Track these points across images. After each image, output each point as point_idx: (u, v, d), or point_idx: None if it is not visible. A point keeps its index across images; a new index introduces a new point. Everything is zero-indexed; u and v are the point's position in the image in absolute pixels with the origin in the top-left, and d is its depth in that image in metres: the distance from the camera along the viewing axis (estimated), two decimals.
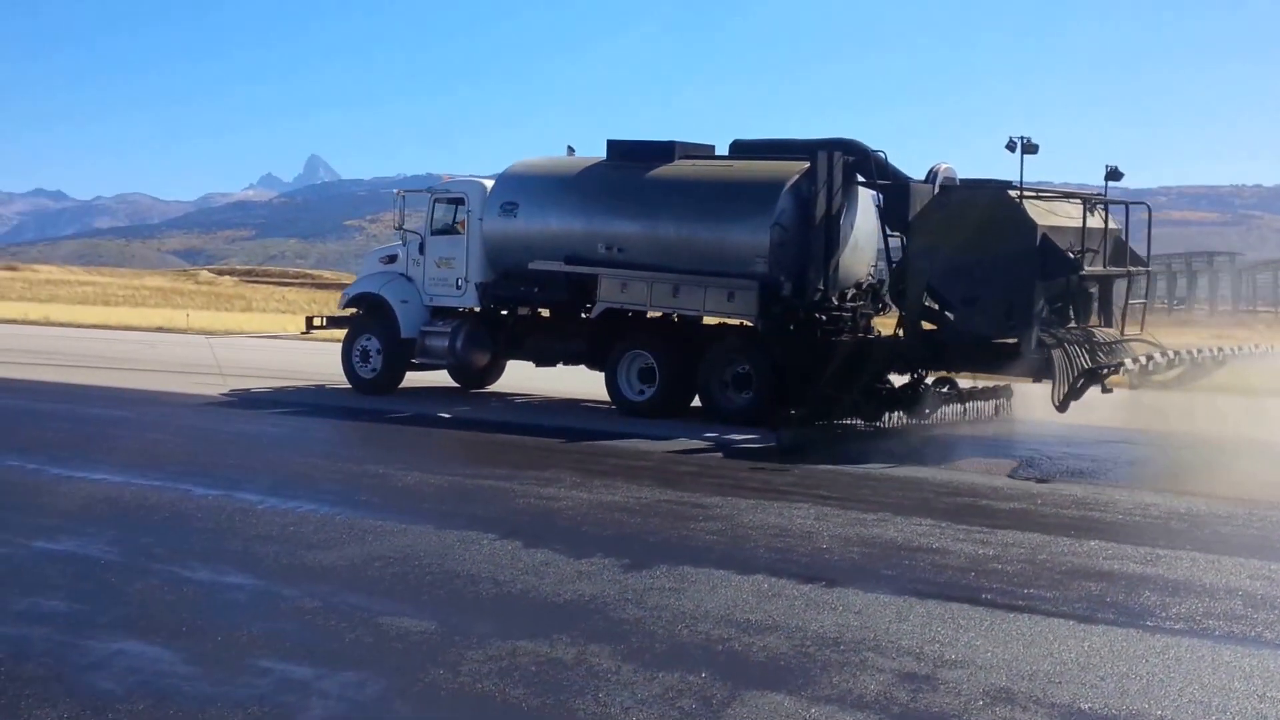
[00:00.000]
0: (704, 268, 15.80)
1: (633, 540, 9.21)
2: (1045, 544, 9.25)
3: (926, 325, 15.45)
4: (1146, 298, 16.32)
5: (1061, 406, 13.31)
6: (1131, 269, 15.60)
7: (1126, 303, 15.44)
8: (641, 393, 16.46)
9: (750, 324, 15.65)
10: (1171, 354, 14.30)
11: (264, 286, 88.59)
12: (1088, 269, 14.26)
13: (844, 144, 15.88)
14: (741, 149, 17.20)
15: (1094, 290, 15.17)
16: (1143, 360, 13.54)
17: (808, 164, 15.43)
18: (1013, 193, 14.26)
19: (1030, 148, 13.81)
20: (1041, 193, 14.95)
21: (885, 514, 10.28)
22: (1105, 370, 13.32)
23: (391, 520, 9.55)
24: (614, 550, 8.75)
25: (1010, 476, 12.41)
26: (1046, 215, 14.30)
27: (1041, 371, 13.91)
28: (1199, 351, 14.96)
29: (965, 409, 15.61)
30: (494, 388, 19.68)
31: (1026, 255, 13.84)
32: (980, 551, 8.98)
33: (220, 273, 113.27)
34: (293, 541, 8.78)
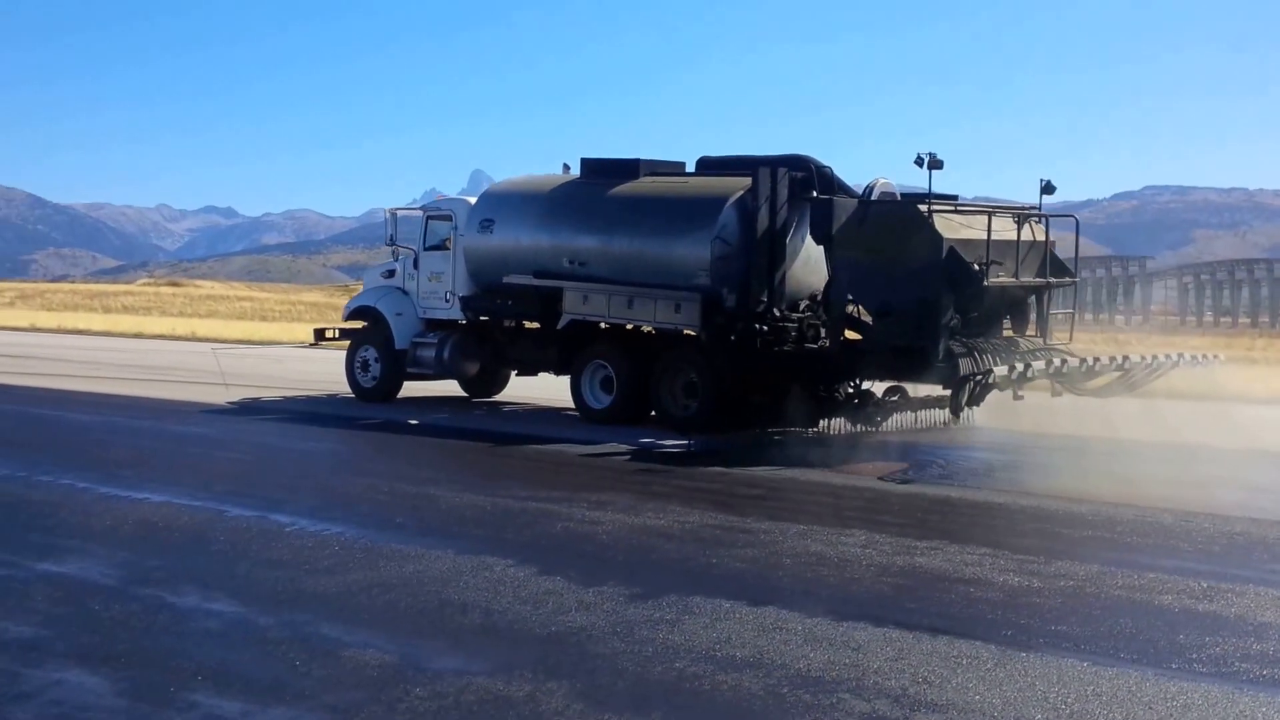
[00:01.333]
0: (654, 280, 16.33)
1: (658, 568, 8.80)
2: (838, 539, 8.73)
3: (852, 335, 16.14)
4: (1075, 307, 16.79)
5: (954, 413, 14.81)
6: (1052, 279, 15.77)
7: (1045, 311, 15.88)
8: (602, 401, 16.99)
9: (695, 334, 16.11)
10: (1078, 361, 14.66)
11: None
12: (993, 280, 14.43)
13: (795, 160, 16.26)
14: (707, 165, 17.66)
15: (1030, 300, 15.73)
16: (1019, 368, 13.71)
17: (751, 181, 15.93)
18: (922, 207, 14.57)
19: (936, 163, 14.33)
20: (961, 208, 15.33)
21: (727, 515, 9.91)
22: (978, 378, 13.82)
23: (415, 545, 9.27)
24: (631, 578, 8.36)
25: (879, 479, 12.78)
26: (957, 229, 14.62)
27: (949, 380, 14.40)
28: (1122, 359, 15.37)
29: (917, 416, 15.97)
30: (500, 396, 20.17)
31: (934, 267, 14.22)
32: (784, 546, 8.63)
33: None
34: (302, 566, 8.56)
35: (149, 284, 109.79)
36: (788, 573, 8.67)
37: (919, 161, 14.40)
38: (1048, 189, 15.45)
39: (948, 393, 15.03)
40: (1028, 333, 15.65)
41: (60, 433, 15.88)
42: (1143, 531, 10.31)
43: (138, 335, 40.29)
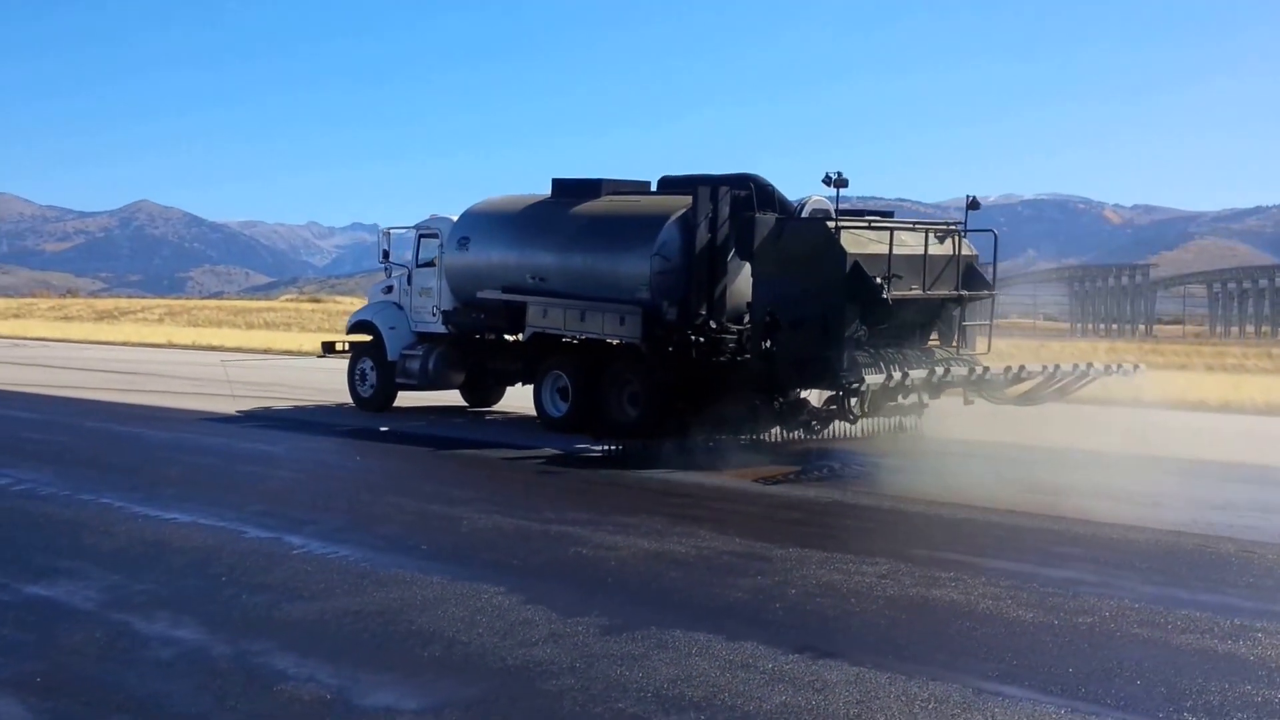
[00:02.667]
0: (603, 295, 17.04)
1: (653, 597, 8.43)
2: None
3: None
4: (992, 318, 17.17)
5: (845, 419, 15.77)
6: (965, 292, 16.10)
7: (960, 323, 16.33)
8: (560, 409, 17.70)
9: (637, 345, 16.65)
10: (966, 369, 15.17)
11: None
12: (895, 294, 14.74)
13: (740, 179, 16.66)
14: (667, 184, 18.09)
15: (956, 312, 16.21)
16: (896, 376, 14.05)
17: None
18: (830, 224, 15.03)
19: (841, 182, 14.80)
20: (875, 223, 15.62)
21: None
22: (851, 385, 14.32)
23: (414, 570, 9.04)
24: (619, 608, 8.03)
25: (755, 481, 13.52)
26: (864, 244, 15.03)
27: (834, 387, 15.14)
28: (1019, 369, 15.60)
29: (860, 426, 16.35)
30: (498, 406, 20.92)
31: (838, 281, 14.64)
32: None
33: None
34: (288, 592, 8.39)
35: (291, 300, 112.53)
36: (789, 606, 8.25)
37: (826, 180, 14.88)
38: (973, 205, 16.26)
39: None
40: (953, 343, 16.19)
41: (128, 450, 16.04)
42: (973, 532, 10.84)
43: (266, 350, 41.12)
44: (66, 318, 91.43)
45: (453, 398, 21.17)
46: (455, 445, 16.59)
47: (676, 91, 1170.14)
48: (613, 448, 15.46)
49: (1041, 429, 15.94)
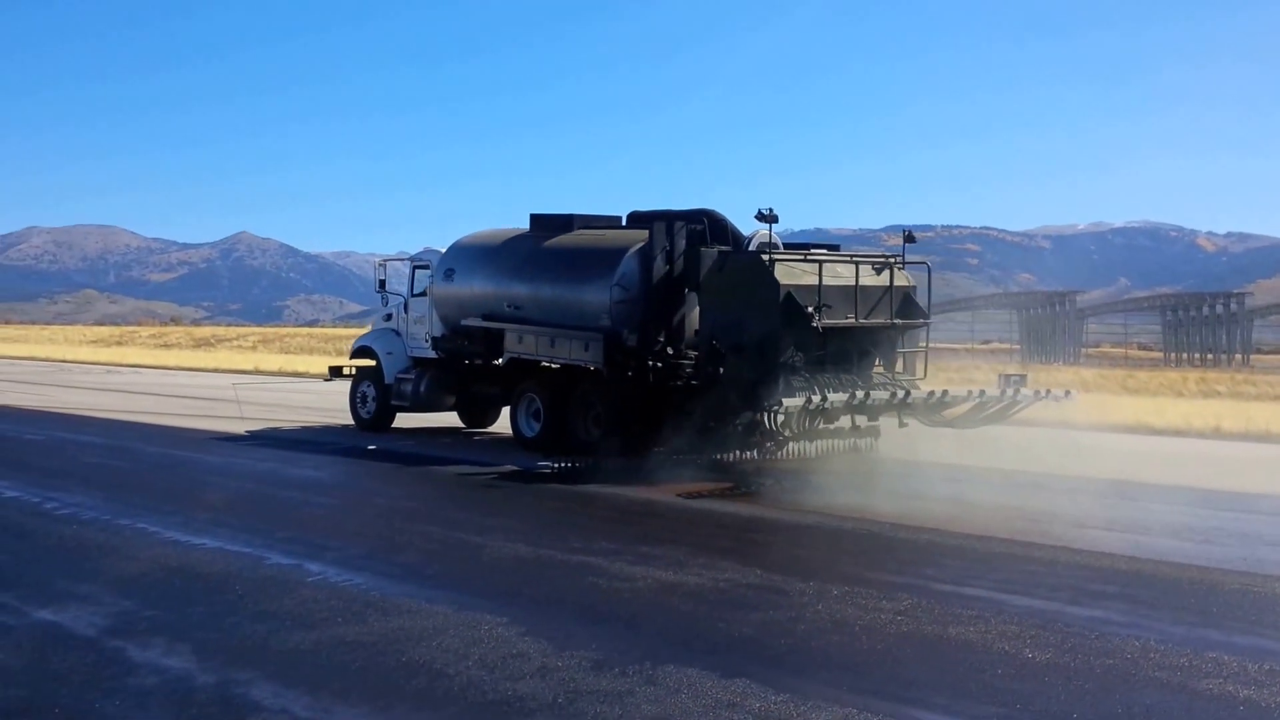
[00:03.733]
0: (570, 322, 17.99)
1: (655, 630, 8.24)
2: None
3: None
4: (927, 344, 17.99)
5: (781, 444, 16.19)
6: (898, 320, 16.87)
7: (896, 349, 17.20)
8: (533, 429, 18.61)
9: (600, 370, 17.52)
10: (887, 394, 15.74)
11: None
12: (825, 322, 15.62)
13: (697, 214, 17.73)
14: (635, 218, 18.91)
15: (900, 339, 17.14)
16: (816, 399, 14.64)
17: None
18: (765, 257, 15.85)
19: (772, 218, 15.87)
20: (809, 256, 16.38)
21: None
22: (771, 408, 14.98)
23: (422, 599, 8.94)
24: (616, 641, 7.84)
25: (677, 495, 14.29)
26: (798, 276, 15.84)
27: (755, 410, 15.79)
28: (942, 393, 16.30)
29: (815, 446, 16.69)
30: (493, 428, 21.70)
31: (772, 309, 15.49)
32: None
33: None
34: (292, 619, 8.32)
35: None
36: (801, 639, 8.01)
37: (759, 216, 15.94)
38: (909, 239, 17.29)
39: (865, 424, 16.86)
40: (896, 369, 17.11)
41: (180, 475, 16.16)
42: (858, 543, 11.59)
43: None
44: (165, 345, 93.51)
45: (451, 419, 22.28)
46: (426, 462, 17.53)
47: (737, 118, 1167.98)
48: (563, 464, 16.29)
49: (1022, 454, 16.80)
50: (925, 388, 16.72)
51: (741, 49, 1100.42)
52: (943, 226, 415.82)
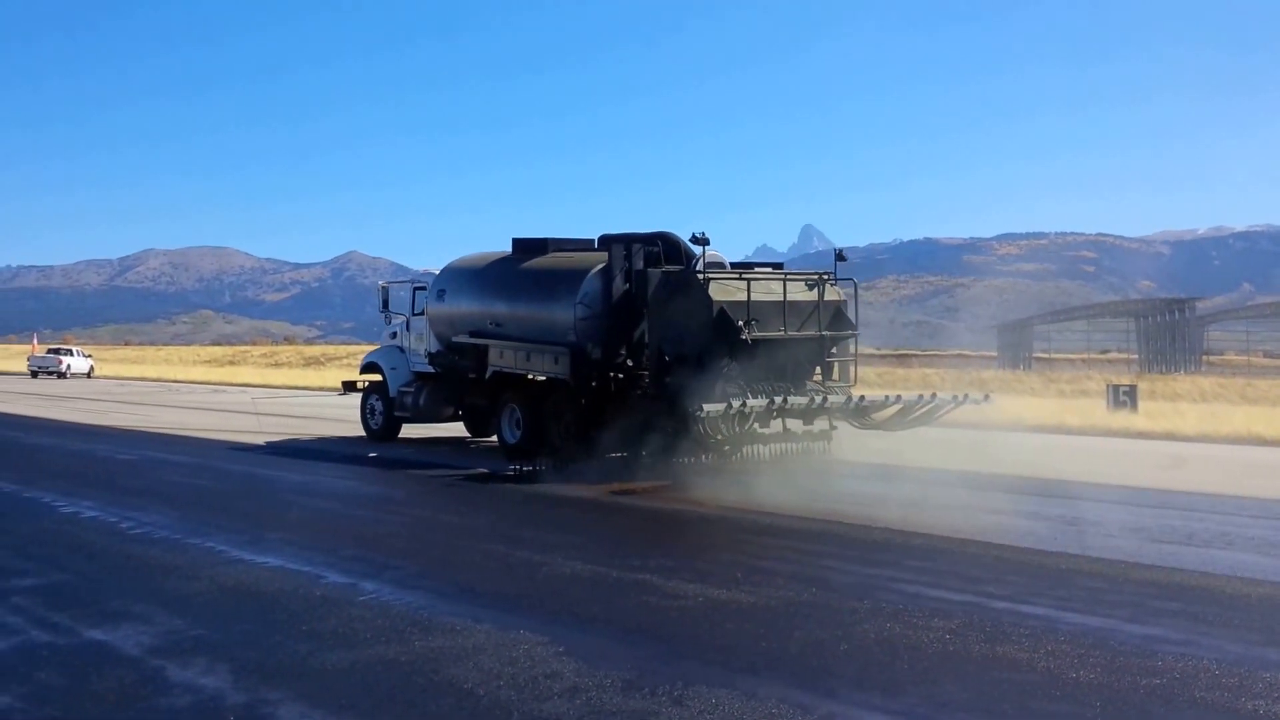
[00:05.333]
0: (543, 338, 19.31)
1: (696, 649, 8.12)
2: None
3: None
4: (856, 354, 18.80)
5: (710, 447, 16.76)
6: (826, 333, 17.97)
7: (825, 359, 18.27)
8: (515, 436, 20.06)
9: (567, 381, 18.80)
10: (806, 399, 16.63)
11: None
12: (754, 335, 16.82)
13: (655, 237, 18.91)
14: (605, 241, 19.77)
15: (835, 350, 18.32)
16: (736, 405, 15.39)
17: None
18: (700, 276, 17.00)
19: (703, 240, 16.99)
20: (745, 274, 17.66)
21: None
22: (694, 413, 15.43)
23: (469, 618, 8.92)
24: (651, 661, 7.75)
25: (611, 493, 15.90)
26: (731, 293, 17.05)
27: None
28: (858, 398, 17.23)
29: (769, 450, 17.25)
30: (494, 437, 21.79)
31: (707, 324, 16.81)
32: None
33: None
34: (335, 638, 8.36)
35: None
36: (846, 659, 7.85)
37: (692, 239, 17.17)
38: (840, 257, 18.82)
39: (819, 428, 17.82)
40: (833, 378, 18.30)
41: (258, 493, 16.41)
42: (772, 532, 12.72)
43: None
44: (276, 364, 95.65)
45: (458, 429, 24.00)
46: (409, 466, 19.60)
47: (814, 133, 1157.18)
48: (521, 468, 18.36)
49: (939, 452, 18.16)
50: (857, 394, 17.73)
51: (847, 55, 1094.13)
52: (1057, 234, 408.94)
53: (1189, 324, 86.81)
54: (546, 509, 15.01)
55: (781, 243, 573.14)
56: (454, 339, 21.41)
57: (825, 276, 18.31)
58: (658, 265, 18.26)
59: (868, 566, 11.04)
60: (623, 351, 18.65)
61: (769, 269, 18.57)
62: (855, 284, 18.94)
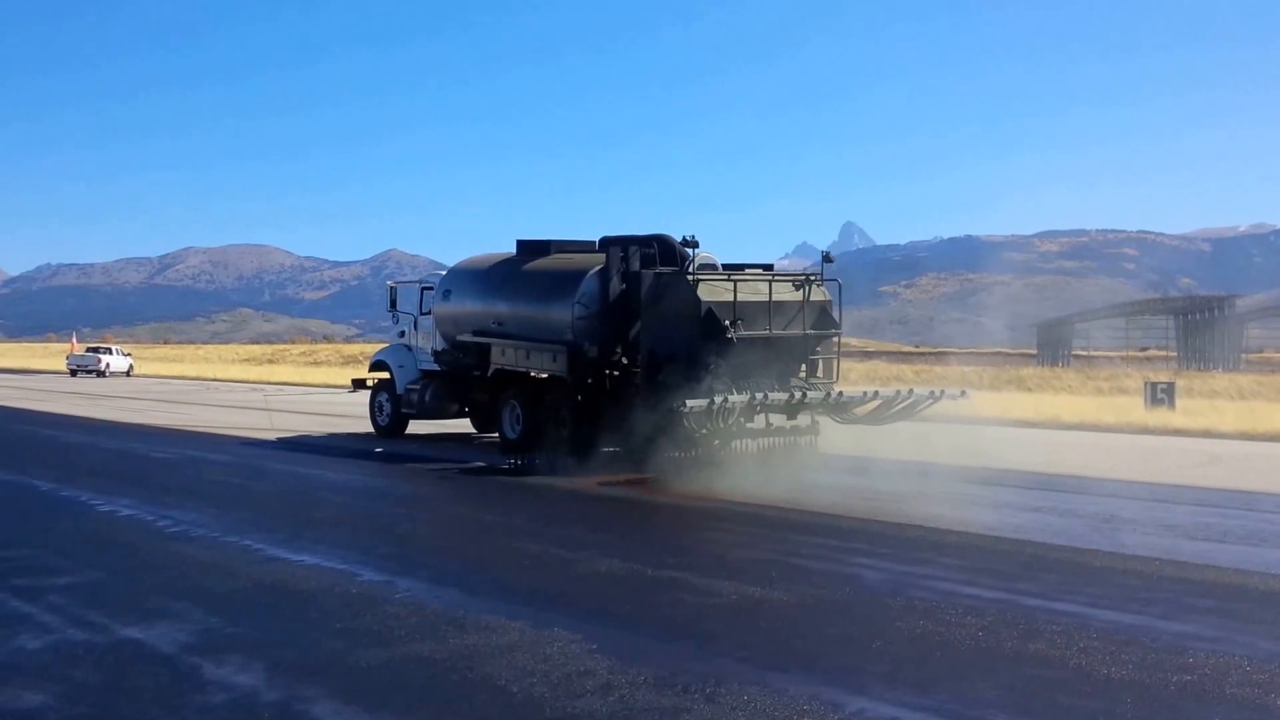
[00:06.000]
0: (543, 337, 19.86)
1: (730, 646, 8.13)
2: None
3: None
4: (838, 352, 19.36)
5: (697, 441, 16.97)
6: (810, 331, 18.50)
7: (808, 356, 18.91)
8: (516, 432, 20.68)
9: (565, 379, 19.38)
10: (785, 395, 17.23)
11: None
12: (740, 334, 17.34)
13: (651, 239, 19.28)
14: (605, 243, 19.99)
15: (819, 348, 18.96)
16: (717, 401, 16.02)
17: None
18: (690, 278, 17.60)
19: (693, 243, 17.81)
20: (733, 275, 18.20)
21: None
22: (677, 408, 15.99)
23: (504, 615, 8.96)
24: (685, 657, 7.78)
25: (599, 484, 16.81)
26: (719, 294, 17.61)
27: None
28: (837, 394, 17.97)
29: (759, 444, 17.91)
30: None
31: (695, 323, 17.40)
32: None
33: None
34: (370, 636, 8.41)
35: None
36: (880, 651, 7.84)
37: (682, 242, 17.96)
38: (827, 258, 19.39)
39: (805, 423, 18.47)
40: (817, 375, 18.99)
41: (296, 493, 16.52)
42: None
43: None
44: (315, 362, 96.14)
45: (465, 425, 24.67)
46: (411, 460, 20.53)
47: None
48: (516, 461, 19.32)
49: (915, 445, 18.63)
50: (837, 390, 18.40)
51: (888, 44, 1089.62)
52: (1098, 231, 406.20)
53: (1228, 321, 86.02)
54: (579, 506, 15.18)
55: (822, 240, 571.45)
56: (459, 338, 22.07)
57: (812, 278, 18.88)
58: (653, 267, 18.73)
59: (900, 564, 11.04)
60: (619, 350, 19.15)
61: (759, 270, 19.22)
62: (840, 285, 19.42)
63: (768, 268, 19.69)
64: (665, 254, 19.04)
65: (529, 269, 20.95)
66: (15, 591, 9.91)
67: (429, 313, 23.59)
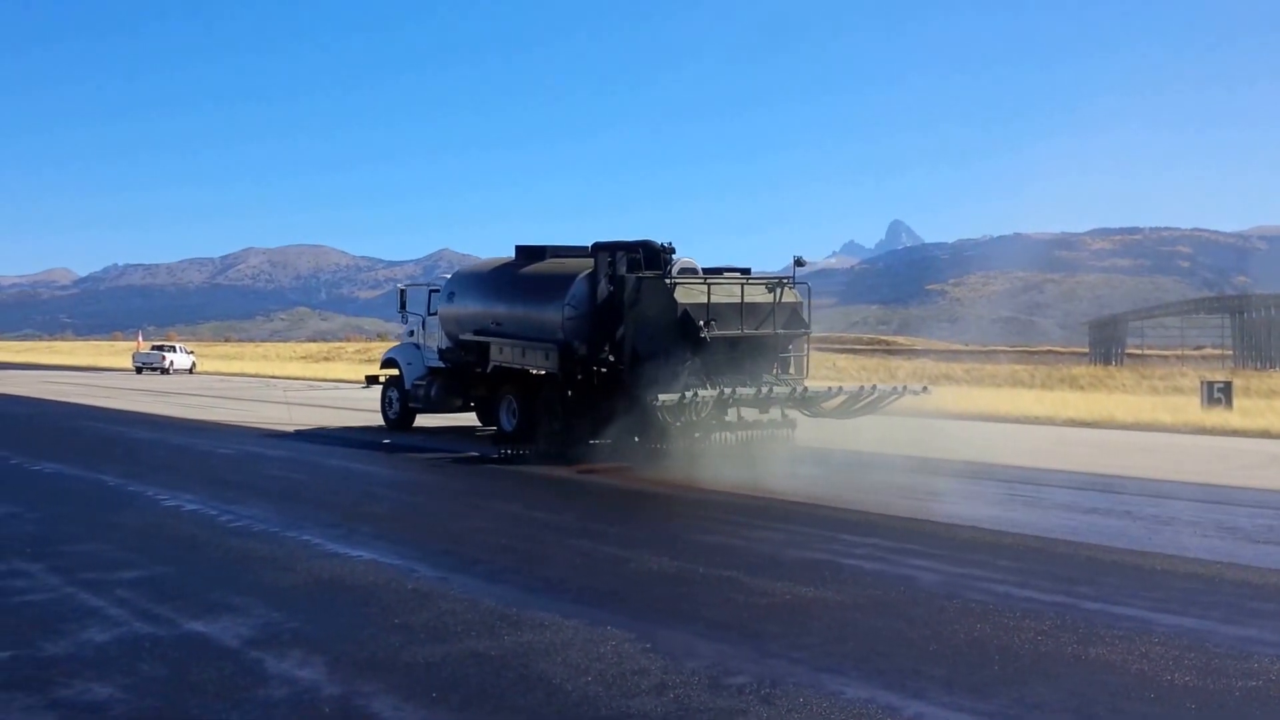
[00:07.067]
0: (536, 336, 21.18)
1: (785, 646, 8.13)
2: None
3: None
4: (807, 351, 20.46)
5: (669, 433, 17.85)
6: (780, 331, 19.63)
7: (778, 354, 19.97)
8: (512, 424, 22.38)
9: (556, 375, 20.66)
10: (753, 390, 18.42)
11: (824, 354, 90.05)
12: (713, 333, 18.57)
13: (638, 244, 20.23)
14: (597, 248, 20.95)
15: (791, 347, 20.06)
16: (689, 395, 17.10)
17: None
18: (668, 281, 18.95)
19: (670, 249, 19.74)
20: (709, 279, 19.40)
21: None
22: (650, 401, 17.04)
23: (558, 613, 9.02)
24: (740, 657, 7.79)
25: (579, 472, 18.02)
26: (695, 296, 18.86)
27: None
28: (803, 389, 19.37)
29: (737, 436, 19.04)
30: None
31: (672, 323, 18.69)
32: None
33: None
34: (427, 632, 8.49)
35: None
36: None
37: (661, 248, 19.74)
38: (799, 263, 20.11)
39: (782, 417, 19.74)
40: (790, 372, 20.10)
41: (352, 488, 16.63)
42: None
43: None
44: (369, 359, 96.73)
45: (465, 419, 26.48)
46: (413, 450, 21.88)
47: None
48: (506, 451, 20.27)
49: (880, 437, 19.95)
50: (802, 385, 19.63)
51: (937, 36, 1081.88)
52: (1151, 229, 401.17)
53: None
54: (630, 504, 15.30)
55: (869, 239, 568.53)
56: (461, 337, 23.42)
57: (784, 281, 20.06)
58: (638, 271, 19.71)
59: (956, 565, 10.99)
60: (606, 348, 20.12)
61: (737, 273, 20.34)
62: (809, 287, 20.55)
63: (745, 272, 20.70)
64: (650, 259, 20.07)
65: (525, 273, 22.33)
66: (84, 584, 10.08)
67: (435, 313, 25.03)
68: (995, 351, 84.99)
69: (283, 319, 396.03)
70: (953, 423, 20.48)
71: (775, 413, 19.64)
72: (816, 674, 7.43)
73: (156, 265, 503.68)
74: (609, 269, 20.11)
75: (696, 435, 18.40)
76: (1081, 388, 48.06)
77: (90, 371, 72.13)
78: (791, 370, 20.16)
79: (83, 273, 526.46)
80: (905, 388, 19.80)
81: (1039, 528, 12.92)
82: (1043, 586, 10.03)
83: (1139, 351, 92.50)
